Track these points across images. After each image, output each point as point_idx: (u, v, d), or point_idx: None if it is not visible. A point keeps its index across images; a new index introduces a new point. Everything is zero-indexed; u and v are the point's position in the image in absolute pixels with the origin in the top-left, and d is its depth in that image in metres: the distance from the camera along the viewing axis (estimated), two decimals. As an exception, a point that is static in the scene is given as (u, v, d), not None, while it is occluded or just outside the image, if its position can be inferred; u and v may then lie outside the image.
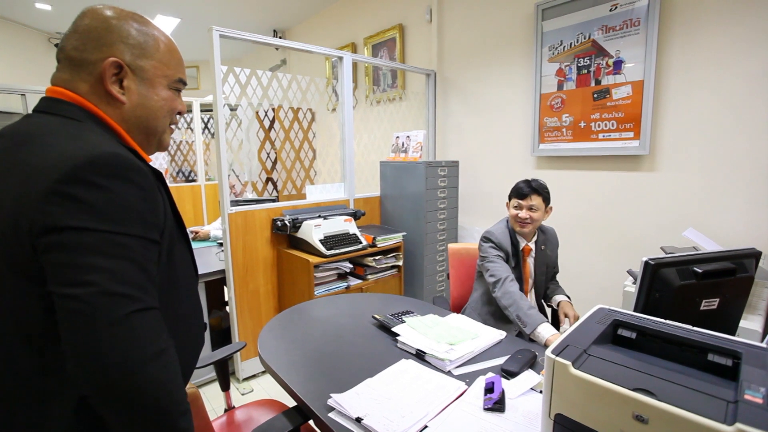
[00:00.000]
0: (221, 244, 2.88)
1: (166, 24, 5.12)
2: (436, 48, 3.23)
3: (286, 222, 2.24)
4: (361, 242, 2.34)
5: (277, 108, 2.84)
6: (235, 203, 2.23)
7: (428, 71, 3.21)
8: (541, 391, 1.00)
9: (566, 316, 1.63)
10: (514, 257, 1.69)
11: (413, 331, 1.33)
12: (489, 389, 0.98)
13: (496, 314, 1.67)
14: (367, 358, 1.20)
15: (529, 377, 1.06)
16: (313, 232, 2.19)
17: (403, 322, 1.40)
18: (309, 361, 1.19)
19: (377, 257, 2.39)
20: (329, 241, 2.22)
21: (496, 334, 1.32)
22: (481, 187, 3.05)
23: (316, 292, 2.13)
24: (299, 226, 2.27)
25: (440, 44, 3.24)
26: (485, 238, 1.70)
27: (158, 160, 4.81)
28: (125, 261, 0.54)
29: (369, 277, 2.38)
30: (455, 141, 3.24)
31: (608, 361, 0.72)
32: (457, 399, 0.97)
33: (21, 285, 0.55)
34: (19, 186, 0.54)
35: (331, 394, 0.96)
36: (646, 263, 0.93)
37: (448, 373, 1.11)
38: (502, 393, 0.96)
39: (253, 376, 2.37)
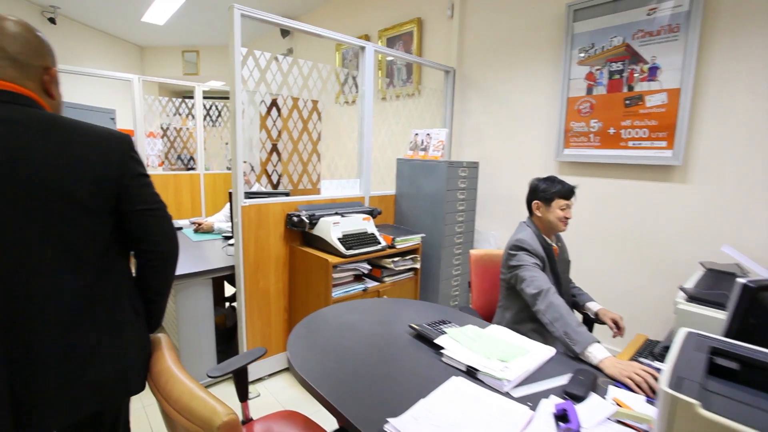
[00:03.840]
0: (227, 238, 2.74)
1: (168, 6, 4.92)
2: (457, 44, 3.13)
3: (303, 218, 2.11)
4: (379, 243, 2.23)
5: (295, 99, 2.71)
6: (248, 195, 2.10)
7: (448, 68, 3.11)
8: (618, 422, 0.91)
9: (616, 325, 1.58)
10: (548, 263, 1.61)
11: (457, 343, 1.23)
12: (561, 417, 0.88)
13: (538, 332, 1.58)
14: (412, 374, 1.09)
15: (599, 404, 0.96)
16: (332, 230, 2.08)
17: (443, 333, 1.30)
18: (348, 375, 1.08)
19: (395, 259, 2.28)
20: (348, 240, 2.11)
21: (546, 351, 1.23)
22: (499, 191, 2.97)
23: (333, 294, 2.01)
24: (316, 223, 2.15)
25: (461, 41, 3.14)
26: (517, 247, 1.59)
27: (156, 147, 4.62)
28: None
29: (386, 279, 2.28)
30: (472, 141, 3.15)
31: (736, 401, 0.63)
32: (526, 426, 0.87)
33: (101, 214, 0.87)
34: (96, 155, 0.85)
35: (388, 419, 0.86)
36: (745, 286, 0.84)
37: (506, 394, 1.01)
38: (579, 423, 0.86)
39: (260, 380, 2.25)
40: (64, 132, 0.82)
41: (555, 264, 1.63)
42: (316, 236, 2.14)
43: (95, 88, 5.38)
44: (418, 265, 2.42)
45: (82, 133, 0.84)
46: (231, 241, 2.60)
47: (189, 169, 4.63)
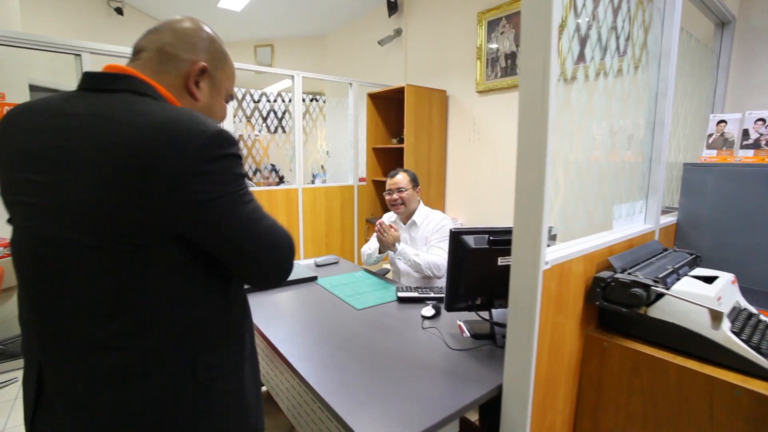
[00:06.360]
0: (406, 300, 1.72)
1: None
2: (735, -20, 2.00)
3: (654, 287, 1.04)
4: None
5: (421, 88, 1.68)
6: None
7: (724, 17, 1.97)
8: None
9: None
10: None
11: None
12: None
13: None
14: None
15: None
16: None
17: None
18: None
19: None
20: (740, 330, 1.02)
21: None
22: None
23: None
24: (662, 295, 1.07)
25: (742, -26, 2.00)
26: None
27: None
28: None
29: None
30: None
31: None
32: None
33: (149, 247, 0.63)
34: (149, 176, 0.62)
35: None
36: None
37: None
38: None
39: None
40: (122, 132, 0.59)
41: None
42: (663, 323, 1.06)
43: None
44: None
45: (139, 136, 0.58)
46: (428, 311, 1.58)
47: (280, 182, 3.73)
